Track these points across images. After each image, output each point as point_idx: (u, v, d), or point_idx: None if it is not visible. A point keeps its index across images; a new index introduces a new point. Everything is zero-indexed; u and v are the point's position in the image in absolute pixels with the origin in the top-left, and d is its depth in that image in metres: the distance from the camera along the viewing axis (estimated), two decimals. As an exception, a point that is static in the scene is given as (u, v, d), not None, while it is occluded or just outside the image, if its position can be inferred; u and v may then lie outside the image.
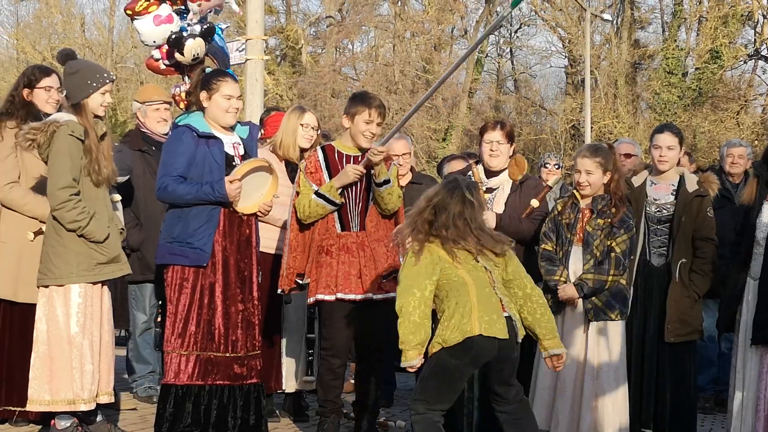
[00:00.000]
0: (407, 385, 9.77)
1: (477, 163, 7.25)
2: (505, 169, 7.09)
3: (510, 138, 7.12)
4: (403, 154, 8.44)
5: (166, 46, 8.48)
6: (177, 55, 8.44)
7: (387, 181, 6.60)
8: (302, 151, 7.46)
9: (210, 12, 8.83)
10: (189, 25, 8.54)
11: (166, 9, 8.41)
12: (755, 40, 37.76)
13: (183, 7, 8.59)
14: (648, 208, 7.28)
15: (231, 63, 9.44)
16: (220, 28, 9.07)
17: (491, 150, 7.06)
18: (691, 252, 7.20)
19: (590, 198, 6.86)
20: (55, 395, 6.23)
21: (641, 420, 7.11)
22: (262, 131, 8.37)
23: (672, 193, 7.30)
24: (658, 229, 7.25)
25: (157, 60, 8.76)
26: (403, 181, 8.23)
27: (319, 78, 38.99)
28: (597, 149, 6.96)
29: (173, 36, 8.28)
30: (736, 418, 6.92)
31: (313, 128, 7.55)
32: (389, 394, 8.55)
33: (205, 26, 8.54)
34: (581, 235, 6.80)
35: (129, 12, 8.46)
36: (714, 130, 36.01)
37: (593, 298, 6.70)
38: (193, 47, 8.37)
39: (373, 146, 6.55)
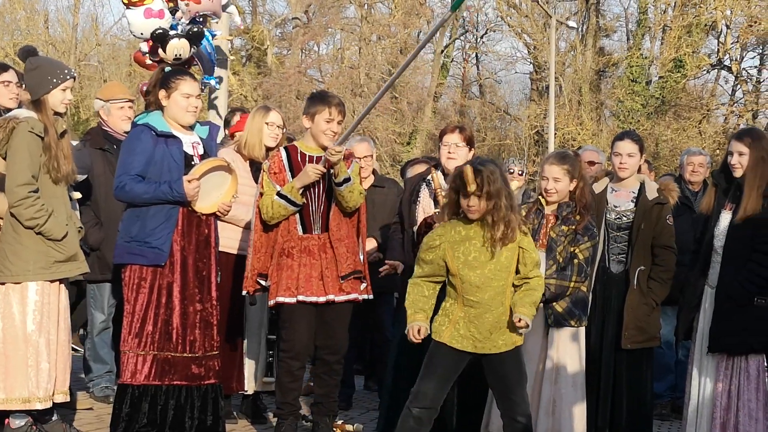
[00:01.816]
0: (365, 388, 9.77)
1: (436, 167, 7.23)
2: None
3: (469, 142, 7.10)
4: (365, 156, 8.44)
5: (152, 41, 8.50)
6: (160, 51, 8.45)
7: (347, 180, 6.58)
8: (268, 150, 7.44)
9: (202, 16, 8.80)
10: (178, 24, 8.53)
11: (159, 4, 8.44)
12: (718, 50, 38.01)
13: (177, 7, 8.61)
14: (608, 215, 7.30)
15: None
16: (212, 34, 9.05)
17: (449, 152, 7.06)
18: (650, 259, 7.23)
19: (555, 204, 6.87)
20: (9, 393, 6.17)
21: (597, 426, 7.13)
22: (226, 131, 8.35)
23: (632, 201, 7.32)
24: (618, 236, 7.27)
25: (144, 54, 8.77)
26: (366, 184, 8.25)
27: (285, 79, 38.94)
28: (565, 157, 6.97)
29: (158, 31, 8.28)
30: (691, 425, 6.96)
31: (278, 127, 7.54)
32: (347, 396, 8.54)
33: (194, 29, 8.53)
34: (544, 240, 6.81)
35: (125, 1, 8.48)
36: (676, 139, 36.23)
37: (554, 304, 6.71)
38: (176, 47, 8.37)
39: (330, 146, 6.53)
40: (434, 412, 5.75)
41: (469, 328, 5.66)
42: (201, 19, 8.73)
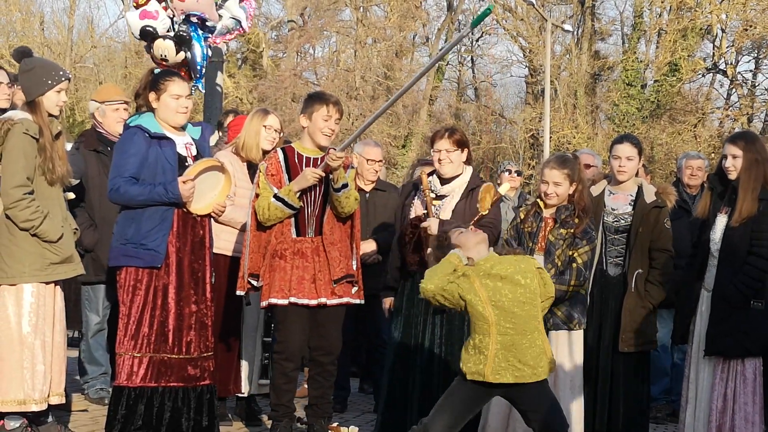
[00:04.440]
0: (360, 391, 9.76)
1: (431, 174, 7.21)
2: (459, 175, 7.07)
3: (460, 144, 7.05)
4: (379, 161, 8.52)
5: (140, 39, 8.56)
6: (151, 51, 8.48)
7: (345, 186, 6.58)
8: (264, 153, 7.43)
9: (200, 19, 8.78)
10: (175, 24, 8.54)
11: (154, 5, 8.45)
12: (714, 53, 38.04)
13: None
14: (606, 218, 7.29)
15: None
16: (206, 37, 9.02)
17: (440, 159, 7.03)
18: (647, 262, 7.22)
19: (554, 207, 6.86)
20: (4, 395, 6.16)
21: (594, 428, 7.12)
22: (220, 133, 8.34)
23: (630, 204, 7.32)
24: (616, 239, 7.27)
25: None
26: (369, 187, 8.30)
27: (280, 82, 38.92)
28: (565, 160, 6.95)
29: (146, 28, 8.29)
30: (688, 428, 6.96)
31: (276, 131, 7.54)
32: (342, 399, 8.53)
33: (180, 32, 8.51)
34: (543, 243, 6.80)
35: (135, 4, 8.55)
36: (671, 143, 36.23)
37: (553, 307, 6.69)
38: (161, 47, 8.37)
39: (332, 151, 6.52)
40: None
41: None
42: (197, 21, 8.69)
